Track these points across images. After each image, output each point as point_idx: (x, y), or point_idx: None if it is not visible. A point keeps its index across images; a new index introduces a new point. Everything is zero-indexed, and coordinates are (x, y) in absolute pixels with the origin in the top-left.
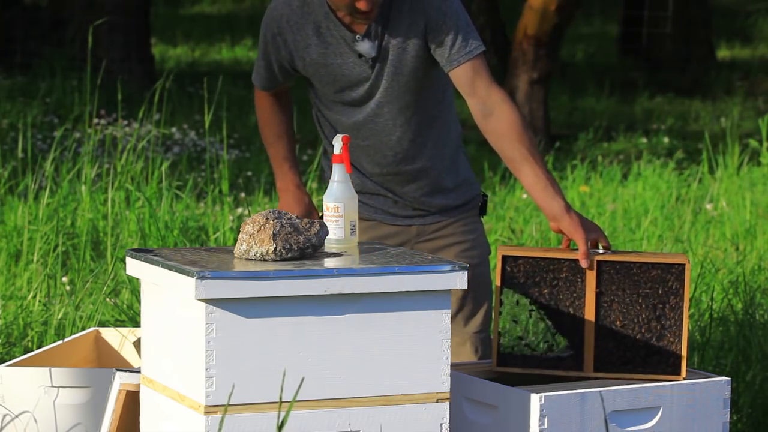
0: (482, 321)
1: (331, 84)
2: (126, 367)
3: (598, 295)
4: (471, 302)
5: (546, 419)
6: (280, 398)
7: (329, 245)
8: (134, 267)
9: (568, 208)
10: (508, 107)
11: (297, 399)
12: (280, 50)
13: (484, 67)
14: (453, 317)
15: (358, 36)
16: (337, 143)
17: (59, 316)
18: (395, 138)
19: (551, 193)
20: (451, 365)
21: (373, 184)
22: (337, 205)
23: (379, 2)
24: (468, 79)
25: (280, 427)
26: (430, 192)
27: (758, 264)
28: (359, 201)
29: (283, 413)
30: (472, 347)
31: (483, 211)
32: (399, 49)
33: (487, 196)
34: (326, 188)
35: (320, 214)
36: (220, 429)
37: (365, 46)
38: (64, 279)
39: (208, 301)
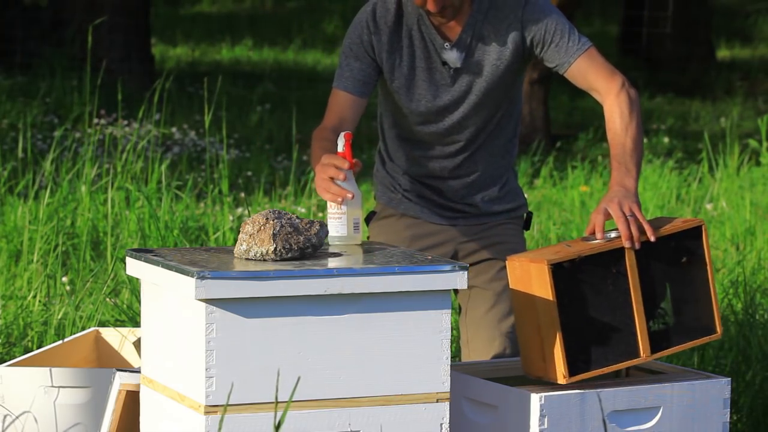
0: (514, 323)
1: (414, 88)
2: (126, 367)
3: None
4: (506, 302)
5: (546, 419)
6: (276, 398)
7: (332, 242)
8: (134, 267)
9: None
10: (613, 101)
11: (297, 399)
12: (375, 49)
13: (597, 59)
14: (487, 311)
15: (446, 44)
16: (341, 141)
17: (59, 316)
18: (461, 147)
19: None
20: (451, 365)
21: (420, 185)
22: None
23: (453, 3)
24: (581, 75)
25: (278, 427)
26: (476, 192)
27: (758, 264)
28: (405, 198)
29: (280, 413)
30: (501, 346)
31: (527, 225)
32: (494, 65)
33: (532, 213)
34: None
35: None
36: (219, 429)
37: (452, 56)
38: (64, 279)
39: (208, 301)
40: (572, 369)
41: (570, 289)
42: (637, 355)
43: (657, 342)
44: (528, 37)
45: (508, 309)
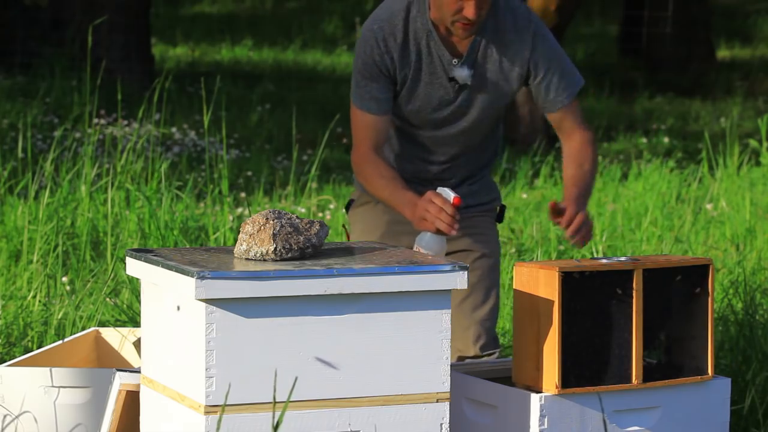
0: (489, 311)
1: (413, 100)
2: (126, 367)
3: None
4: (481, 291)
5: (546, 419)
6: (274, 398)
7: None
8: (134, 267)
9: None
10: (587, 147)
11: (297, 399)
12: (389, 67)
13: (578, 107)
14: (462, 301)
15: (455, 60)
16: (449, 196)
17: (59, 316)
18: (448, 155)
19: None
20: (452, 365)
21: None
22: (429, 254)
23: (484, 16)
24: (560, 119)
25: (276, 427)
26: (454, 186)
27: (758, 264)
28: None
29: (278, 413)
30: (474, 334)
31: (500, 218)
32: (498, 84)
33: (505, 206)
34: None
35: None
36: (218, 429)
37: (462, 73)
38: (64, 279)
39: (208, 301)
40: (564, 381)
41: (575, 301)
42: (629, 380)
43: (649, 371)
44: (531, 66)
45: (482, 298)
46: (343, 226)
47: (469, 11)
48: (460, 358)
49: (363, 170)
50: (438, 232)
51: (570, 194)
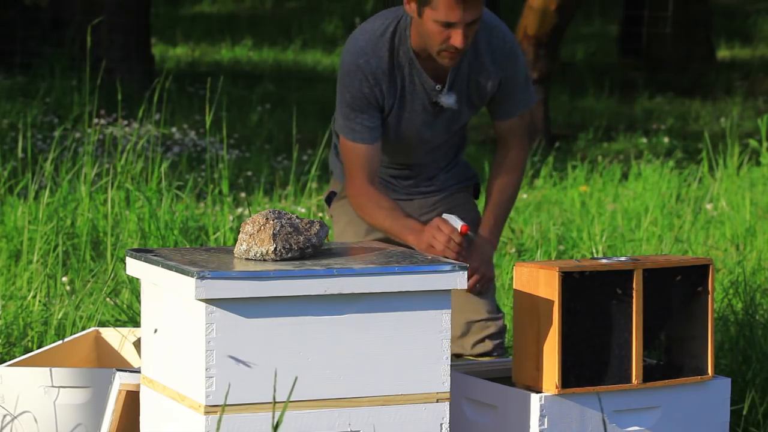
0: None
1: (398, 126)
2: (126, 367)
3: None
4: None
5: (546, 419)
6: (274, 398)
7: None
8: (134, 267)
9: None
10: (518, 159)
11: (297, 399)
12: (378, 99)
13: (522, 124)
14: None
15: (438, 86)
16: (456, 224)
17: (59, 316)
18: (425, 160)
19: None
20: (451, 365)
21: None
22: None
23: (470, 43)
24: (507, 127)
25: (276, 427)
26: (431, 180)
27: (758, 264)
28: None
29: (278, 413)
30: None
31: (476, 194)
32: (474, 105)
33: (480, 183)
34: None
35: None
36: (218, 429)
37: (449, 100)
38: (64, 279)
39: (208, 301)
40: (564, 381)
41: (575, 300)
42: (629, 380)
43: (649, 371)
44: (502, 81)
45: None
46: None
47: (457, 40)
48: (468, 324)
49: (361, 203)
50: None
51: (482, 229)
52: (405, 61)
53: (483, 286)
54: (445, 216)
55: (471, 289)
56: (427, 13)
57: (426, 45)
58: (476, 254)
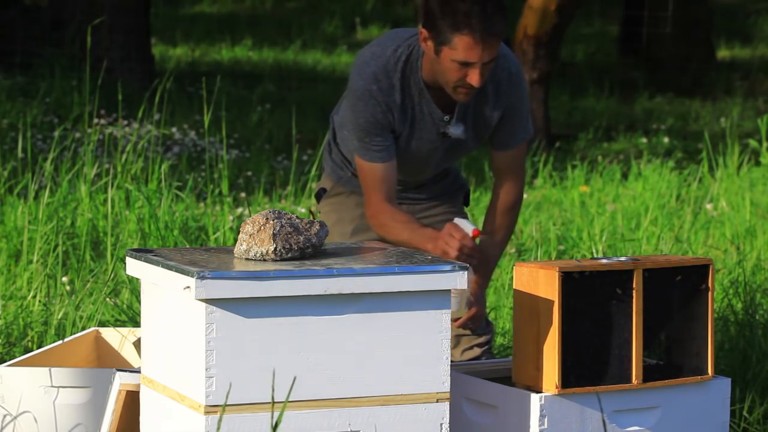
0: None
1: (405, 152)
2: (126, 367)
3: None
4: None
5: (546, 419)
6: (273, 398)
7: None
8: (134, 267)
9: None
10: (515, 195)
11: (297, 399)
12: (391, 123)
13: (522, 156)
14: None
15: (446, 117)
16: (468, 228)
17: (59, 316)
18: (420, 177)
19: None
20: (451, 365)
21: None
22: None
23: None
24: (504, 160)
25: (275, 427)
26: (424, 190)
27: (758, 264)
28: (355, 176)
29: (277, 413)
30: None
31: (466, 201)
32: (481, 134)
33: (469, 190)
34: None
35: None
36: (218, 429)
37: (457, 131)
38: (64, 279)
39: (208, 301)
40: (565, 381)
41: (575, 300)
42: (629, 380)
43: (649, 371)
44: (505, 109)
45: None
46: (310, 211)
47: (474, 79)
48: (457, 337)
49: (382, 222)
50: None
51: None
52: (415, 90)
53: (475, 324)
54: (456, 221)
55: (463, 326)
56: (445, 52)
57: (440, 81)
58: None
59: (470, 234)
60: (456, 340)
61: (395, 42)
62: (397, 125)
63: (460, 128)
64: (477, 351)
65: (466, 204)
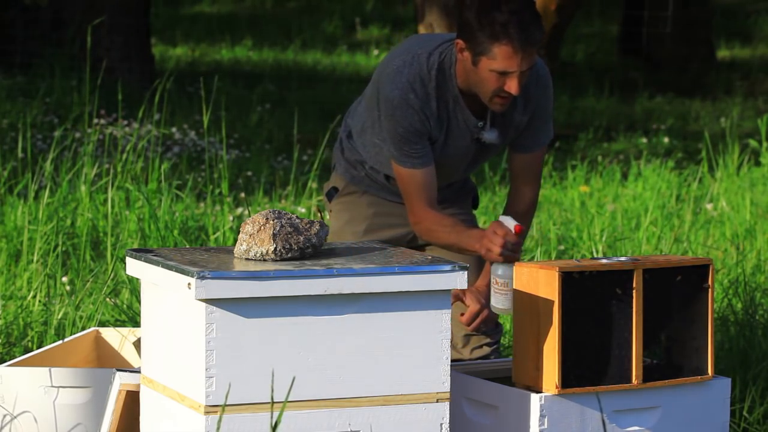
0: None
1: (438, 158)
2: (126, 367)
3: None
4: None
5: (546, 419)
6: (272, 398)
7: (495, 310)
8: (134, 267)
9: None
10: (532, 199)
11: (297, 399)
12: (429, 130)
13: (541, 159)
14: None
15: (480, 123)
16: (510, 224)
17: (59, 316)
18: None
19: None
20: (451, 365)
21: (385, 178)
22: (507, 281)
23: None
24: (524, 163)
25: (274, 427)
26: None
27: (758, 264)
28: (369, 177)
29: (277, 413)
30: None
31: (475, 204)
32: (511, 132)
33: (477, 192)
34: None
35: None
36: (218, 429)
37: (491, 136)
38: (64, 279)
39: (208, 301)
40: (565, 381)
41: (575, 300)
42: (629, 380)
43: (649, 371)
44: (532, 113)
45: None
46: (318, 210)
47: (513, 87)
48: (467, 337)
49: (426, 227)
50: (505, 259)
51: (481, 281)
52: (450, 98)
53: (486, 326)
54: (501, 218)
55: (476, 329)
56: (483, 62)
57: (477, 90)
58: (476, 296)
59: (512, 231)
60: (466, 338)
61: (424, 49)
62: (434, 132)
63: (494, 134)
64: (486, 350)
65: (475, 207)
